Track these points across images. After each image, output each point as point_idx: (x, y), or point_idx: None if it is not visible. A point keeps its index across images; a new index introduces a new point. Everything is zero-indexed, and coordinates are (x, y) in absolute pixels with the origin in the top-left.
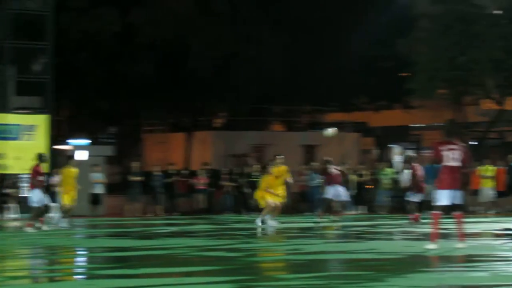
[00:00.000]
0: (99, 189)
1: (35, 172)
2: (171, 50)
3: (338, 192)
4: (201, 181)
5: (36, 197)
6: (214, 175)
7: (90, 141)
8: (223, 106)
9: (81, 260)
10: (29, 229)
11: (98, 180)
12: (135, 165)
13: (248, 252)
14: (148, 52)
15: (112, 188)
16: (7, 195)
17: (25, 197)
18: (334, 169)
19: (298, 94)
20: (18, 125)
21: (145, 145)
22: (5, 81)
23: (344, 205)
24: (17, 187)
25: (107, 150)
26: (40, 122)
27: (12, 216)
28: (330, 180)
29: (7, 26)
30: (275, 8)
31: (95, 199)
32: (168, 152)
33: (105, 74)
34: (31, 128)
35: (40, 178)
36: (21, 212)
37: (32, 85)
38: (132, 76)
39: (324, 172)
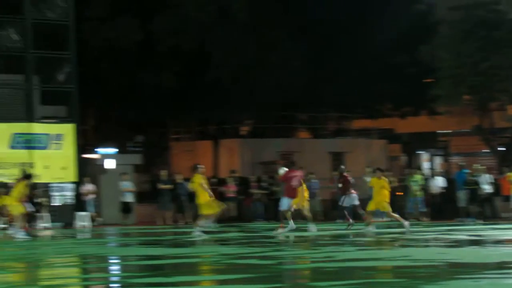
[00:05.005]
0: (129, 198)
1: None
2: (194, 58)
3: (352, 200)
4: (231, 189)
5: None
6: (243, 183)
7: (117, 150)
8: (248, 113)
9: (115, 269)
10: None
11: (128, 189)
12: (163, 173)
13: (280, 259)
14: (170, 60)
15: (141, 196)
16: (39, 204)
17: (56, 206)
18: (349, 177)
19: (323, 101)
20: (47, 134)
21: (172, 153)
22: (30, 90)
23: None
24: (48, 196)
25: (135, 159)
26: (66, 131)
27: (45, 225)
28: (346, 188)
29: (30, 36)
30: (297, 15)
31: (125, 208)
32: (196, 160)
33: (128, 83)
34: (58, 137)
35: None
36: (52, 221)
37: (56, 94)
38: (155, 84)
39: (340, 180)
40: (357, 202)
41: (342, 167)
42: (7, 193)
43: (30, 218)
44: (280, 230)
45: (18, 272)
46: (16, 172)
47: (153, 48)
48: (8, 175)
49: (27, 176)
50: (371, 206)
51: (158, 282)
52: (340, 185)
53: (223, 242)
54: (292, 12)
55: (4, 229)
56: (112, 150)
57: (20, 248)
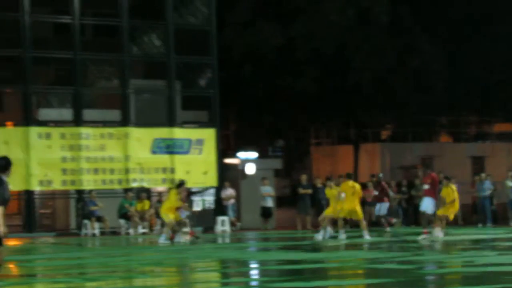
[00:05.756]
0: (269, 203)
1: None
2: (333, 62)
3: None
4: (371, 194)
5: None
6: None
7: (258, 155)
8: (388, 117)
9: (254, 273)
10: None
11: (268, 194)
12: (303, 178)
13: (420, 264)
14: (310, 65)
15: (281, 201)
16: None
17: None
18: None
19: (463, 105)
20: (188, 139)
21: (312, 158)
22: (171, 96)
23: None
24: (189, 201)
25: (275, 163)
26: (207, 136)
27: (185, 230)
28: (382, 196)
29: (172, 42)
30: (435, 18)
31: (265, 212)
32: (336, 164)
33: (268, 87)
34: (199, 142)
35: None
36: (193, 226)
37: (198, 99)
38: (295, 89)
39: (378, 187)
40: (385, 212)
41: (380, 175)
42: (160, 201)
43: (181, 226)
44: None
45: (159, 276)
46: (157, 177)
47: (293, 52)
48: (150, 180)
49: (179, 185)
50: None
51: (298, 287)
52: (376, 192)
53: (362, 246)
54: (430, 15)
55: (144, 233)
56: (253, 155)
57: (161, 253)
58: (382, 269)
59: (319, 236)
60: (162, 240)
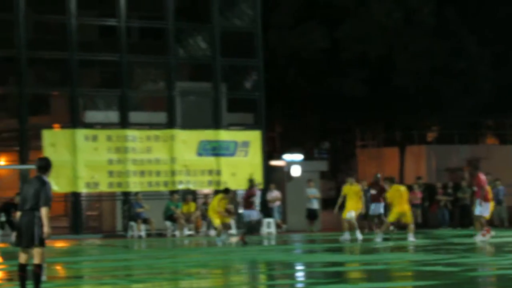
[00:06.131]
0: (315, 205)
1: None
2: (380, 65)
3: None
4: (417, 196)
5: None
6: (429, 190)
7: (303, 157)
8: (434, 119)
9: (300, 275)
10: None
11: (314, 196)
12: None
13: (466, 266)
14: (356, 67)
15: (327, 203)
16: (227, 211)
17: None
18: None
19: (510, 106)
20: (234, 141)
21: (358, 160)
22: (217, 98)
23: None
24: (235, 203)
25: (321, 166)
26: (253, 138)
27: (231, 231)
28: (379, 196)
29: (217, 44)
30: (482, 19)
31: (311, 215)
32: (382, 167)
33: (314, 89)
34: (245, 144)
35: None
36: (237, 228)
37: (243, 101)
38: (341, 91)
39: (376, 187)
40: (381, 211)
41: (378, 175)
42: (205, 203)
43: (226, 228)
44: (481, 237)
45: (205, 278)
46: (203, 179)
47: (339, 54)
48: (196, 182)
49: (225, 191)
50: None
51: None
52: (374, 191)
53: (409, 248)
54: (477, 17)
55: (190, 235)
56: (298, 157)
57: (207, 255)
58: (429, 271)
59: (359, 236)
60: (222, 240)
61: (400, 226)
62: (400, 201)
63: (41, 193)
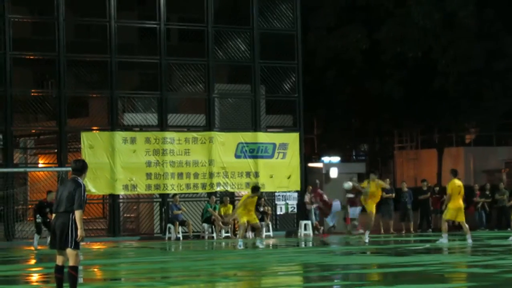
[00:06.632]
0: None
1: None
2: (419, 66)
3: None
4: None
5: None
6: (467, 191)
7: (341, 159)
8: (473, 121)
9: (337, 278)
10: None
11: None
12: (387, 182)
13: (503, 268)
14: (396, 69)
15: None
16: (264, 213)
17: (280, 215)
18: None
19: None
20: (272, 143)
21: (396, 161)
22: (256, 100)
23: None
24: (272, 205)
25: (359, 167)
26: (291, 140)
27: (266, 234)
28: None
29: (257, 46)
30: None
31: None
32: (420, 168)
33: (353, 91)
34: (283, 146)
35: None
36: (276, 230)
37: (281, 103)
38: (380, 93)
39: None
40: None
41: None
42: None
43: (256, 230)
44: None
45: (242, 280)
46: (241, 181)
47: (378, 56)
48: (234, 184)
49: (253, 189)
50: None
51: None
52: (351, 195)
53: (445, 250)
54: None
55: (227, 237)
56: (336, 159)
57: (244, 257)
58: (465, 273)
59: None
60: (260, 243)
61: (455, 226)
62: (458, 197)
63: (76, 195)
